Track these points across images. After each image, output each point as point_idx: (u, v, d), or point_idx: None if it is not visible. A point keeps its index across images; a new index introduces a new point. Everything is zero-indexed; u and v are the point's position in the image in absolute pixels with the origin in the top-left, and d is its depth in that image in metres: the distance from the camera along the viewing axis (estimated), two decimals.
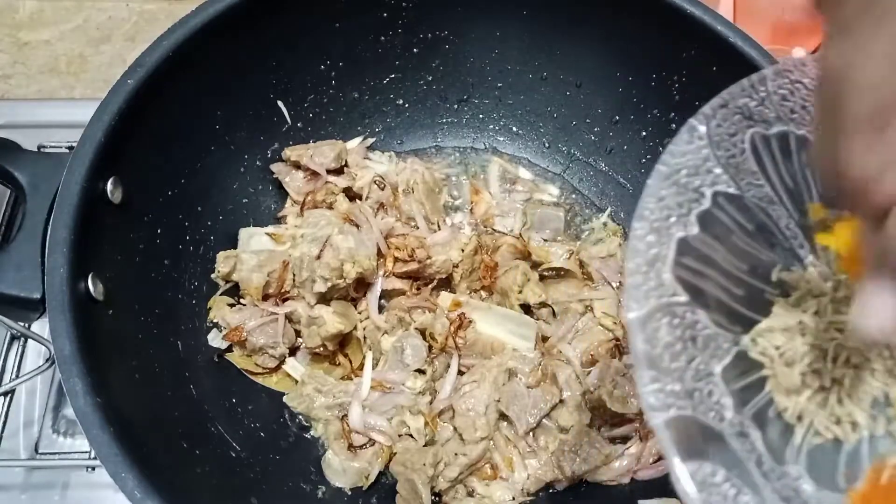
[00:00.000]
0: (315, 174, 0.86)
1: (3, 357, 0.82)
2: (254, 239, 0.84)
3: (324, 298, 0.78)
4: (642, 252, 0.40)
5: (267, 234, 0.84)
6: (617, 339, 0.82)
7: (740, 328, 0.43)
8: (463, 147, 0.98)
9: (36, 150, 0.89)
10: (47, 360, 0.64)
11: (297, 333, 0.79)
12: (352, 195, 0.88)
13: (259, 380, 0.78)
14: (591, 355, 0.80)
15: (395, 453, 0.75)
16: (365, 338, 0.81)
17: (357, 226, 0.83)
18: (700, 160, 0.44)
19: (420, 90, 0.93)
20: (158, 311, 0.70)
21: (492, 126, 0.97)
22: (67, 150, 0.91)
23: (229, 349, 0.78)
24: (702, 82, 0.78)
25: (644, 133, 0.88)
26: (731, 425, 0.39)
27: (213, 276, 0.79)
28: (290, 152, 0.87)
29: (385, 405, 0.76)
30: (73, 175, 0.59)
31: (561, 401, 0.77)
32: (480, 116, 0.97)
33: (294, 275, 0.78)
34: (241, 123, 0.82)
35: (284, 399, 0.77)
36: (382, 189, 0.89)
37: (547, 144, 0.97)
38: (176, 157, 0.74)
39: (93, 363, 0.54)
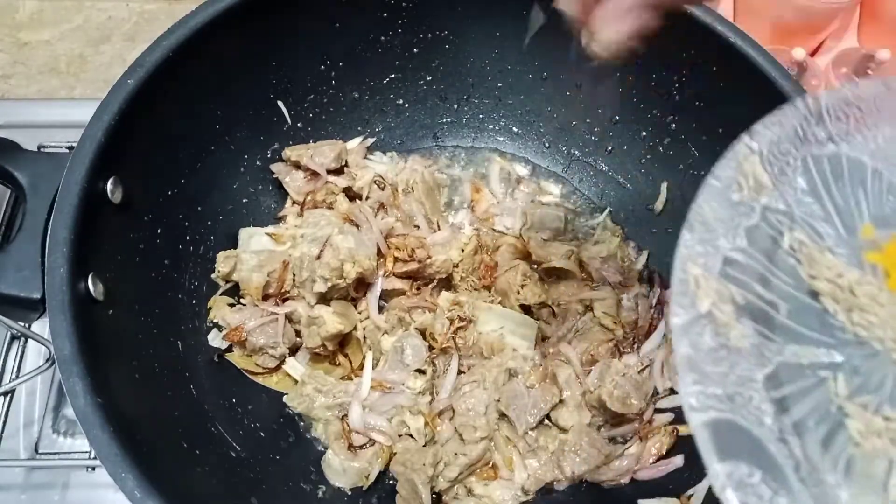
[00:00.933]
0: (315, 174, 0.86)
1: (3, 357, 0.82)
2: (254, 239, 0.84)
3: (324, 298, 0.78)
4: (690, 260, 0.41)
5: (267, 234, 0.84)
6: (617, 339, 0.82)
7: (785, 339, 0.44)
8: (463, 147, 0.98)
9: (36, 150, 0.89)
10: (47, 360, 0.64)
11: (297, 333, 0.79)
12: (352, 195, 0.89)
13: (259, 380, 0.79)
14: (591, 355, 0.80)
15: (395, 453, 0.75)
16: (365, 338, 0.81)
17: (357, 226, 0.83)
18: (752, 176, 0.46)
19: (420, 90, 0.93)
20: (158, 311, 0.70)
21: (492, 126, 0.97)
22: (67, 150, 0.91)
23: (229, 349, 0.78)
24: (702, 82, 0.78)
25: (644, 133, 0.88)
26: (770, 431, 0.39)
27: (213, 276, 0.79)
28: (290, 152, 0.87)
29: (385, 405, 0.76)
30: (73, 175, 0.59)
31: (561, 401, 0.77)
32: (480, 116, 0.97)
33: (294, 275, 0.78)
34: (241, 123, 0.82)
35: (284, 399, 0.77)
36: (382, 189, 0.89)
37: (547, 144, 0.97)
38: (176, 157, 0.74)
39: (93, 363, 0.54)
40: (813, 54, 1.11)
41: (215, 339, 0.77)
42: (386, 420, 0.75)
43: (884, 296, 0.46)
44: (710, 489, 0.70)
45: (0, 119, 0.99)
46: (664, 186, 0.88)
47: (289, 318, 0.78)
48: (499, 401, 0.76)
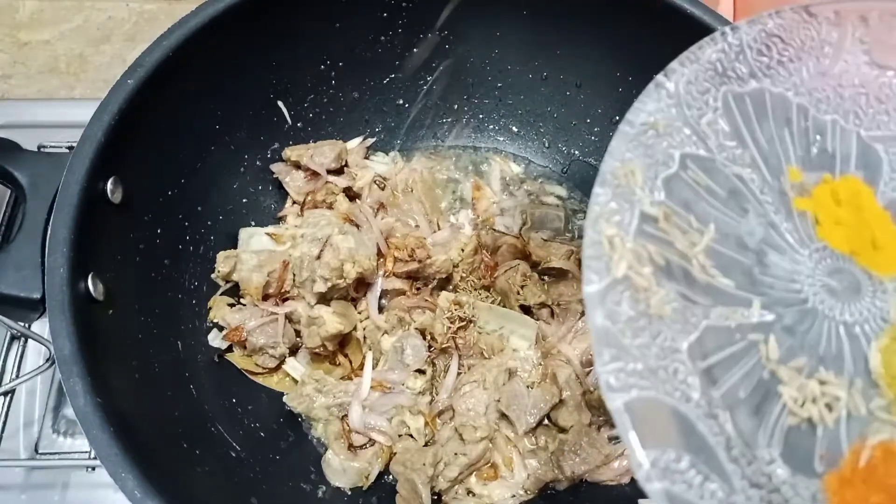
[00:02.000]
0: (315, 174, 0.86)
1: (3, 357, 0.82)
2: (254, 239, 0.84)
3: (324, 298, 0.78)
4: (602, 219, 0.37)
5: (267, 234, 0.84)
6: None
7: (710, 301, 0.40)
8: (463, 147, 0.98)
9: (36, 150, 0.89)
10: (47, 360, 0.64)
11: (297, 333, 0.79)
12: (352, 195, 0.89)
13: (259, 380, 0.79)
14: (591, 355, 0.80)
15: (395, 453, 0.75)
16: (365, 338, 0.81)
17: (357, 226, 0.83)
18: (667, 119, 0.41)
19: (420, 90, 0.93)
20: (158, 311, 0.70)
21: (492, 126, 0.97)
22: (67, 150, 0.91)
23: (229, 349, 0.78)
24: None
25: None
26: (697, 406, 0.36)
27: (213, 276, 0.79)
28: (290, 152, 0.87)
29: (385, 405, 0.76)
30: (73, 175, 0.59)
31: (561, 401, 0.77)
32: (480, 116, 0.97)
33: (294, 275, 0.78)
34: (241, 123, 0.82)
35: (284, 399, 0.77)
36: (382, 189, 0.89)
37: (547, 144, 0.97)
38: (176, 157, 0.74)
39: (93, 363, 0.54)
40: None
41: (215, 339, 0.77)
42: (386, 420, 0.75)
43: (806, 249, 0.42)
44: None
45: (0, 119, 0.99)
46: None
47: (289, 318, 0.78)
48: (499, 401, 0.76)
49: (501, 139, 0.98)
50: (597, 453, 0.74)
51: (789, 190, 0.44)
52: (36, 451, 0.79)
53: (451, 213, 0.92)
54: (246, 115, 0.82)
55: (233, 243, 0.83)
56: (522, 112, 0.95)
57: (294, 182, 0.87)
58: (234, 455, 0.69)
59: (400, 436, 0.75)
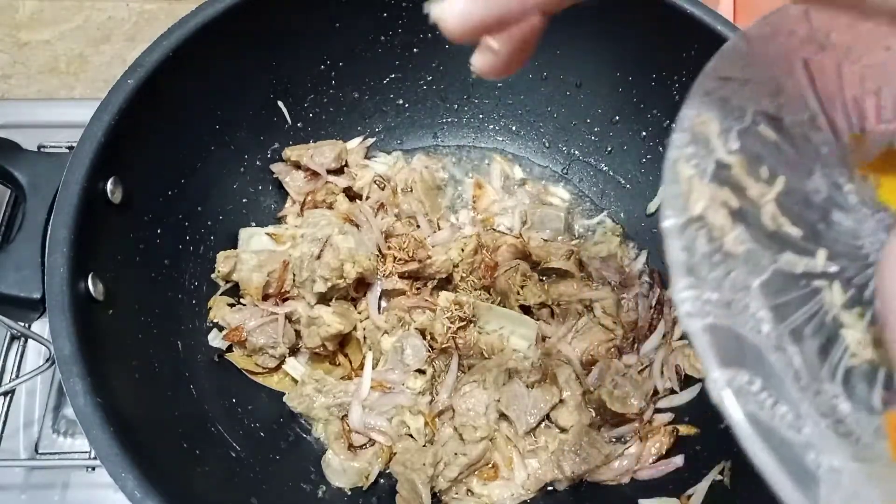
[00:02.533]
0: (315, 174, 0.86)
1: (3, 357, 0.82)
2: (254, 239, 0.84)
3: (324, 298, 0.78)
4: (682, 161, 0.39)
5: (267, 234, 0.84)
6: (617, 339, 0.82)
7: (779, 246, 0.42)
8: (463, 147, 0.98)
9: (36, 150, 0.89)
10: (47, 360, 0.64)
11: (297, 334, 0.79)
12: (352, 195, 0.89)
13: (259, 379, 0.79)
14: (591, 355, 0.80)
15: (395, 453, 0.75)
16: (365, 338, 0.81)
17: (357, 226, 0.83)
18: (742, 77, 0.43)
19: (420, 90, 0.93)
20: (158, 311, 0.70)
21: (492, 126, 0.97)
22: (67, 150, 0.91)
23: (229, 349, 0.78)
24: None
25: (644, 133, 0.88)
26: (768, 339, 0.38)
27: (213, 276, 0.79)
28: (290, 152, 0.87)
29: (385, 405, 0.76)
30: (73, 175, 0.59)
31: (561, 401, 0.77)
32: (480, 116, 0.97)
33: (294, 275, 0.79)
34: (241, 123, 0.82)
35: (284, 399, 0.77)
36: (382, 189, 0.89)
37: (547, 144, 0.97)
38: (176, 157, 0.74)
39: (93, 363, 0.54)
40: None
41: (215, 339, 0.77)
42: (386, 420, 0.75)
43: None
44: (709, 489, 0.70)
45: (0, 119, 0.99)
46: (662, 190, 0.88)
47: (289, 318, 0.78)
48: (499, 401, 0.76)
49: (501, 139, 0.98)
50: (597, 453, 0.74)
51: (852, 154, 0.46)
52: (36, 451, 0.79)
53: (451, 213, 0.92)
54: (246, 115, 0.82)
55: (233, 243, 0.83)
56: (522, 112, 0.95)
57: (294, 182, 0.87)
58: (234, 455, 0.69)
59: (400, 436, 0.75)
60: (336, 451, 0.75)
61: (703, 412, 0.77)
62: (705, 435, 0.76)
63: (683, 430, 0.77)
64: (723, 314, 0.36)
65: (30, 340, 0.82)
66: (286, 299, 0.80)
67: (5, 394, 0.75)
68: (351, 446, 0.75)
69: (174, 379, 0.69)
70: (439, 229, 0.88)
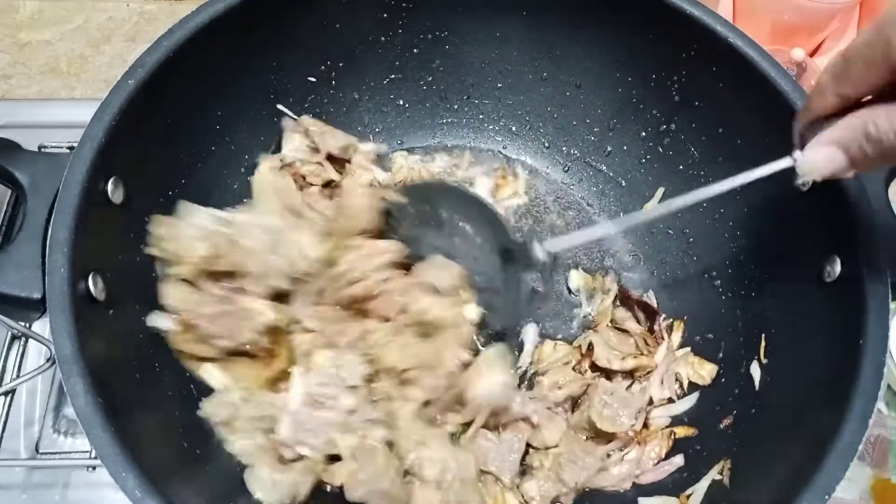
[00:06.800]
0: (315, 150, 0.85)
1: (3, 357, 0.82)
2: (196, 214, 0.71)
3: (269, 295, 0.72)
4: None
5: (214, 215, 0.72)
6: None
7: None
8: (463, 147, 0.98)
9: (36, 150, 0.89)
10: (48, 360, 0.64)
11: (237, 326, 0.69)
12: (330, 191, 0.85)
13: (192, 366, 0.70)
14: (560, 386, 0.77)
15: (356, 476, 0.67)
16: (298, 347, 0.73)
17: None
18: None
19: (420, 90, 0.93)
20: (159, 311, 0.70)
21: (492, 126, 0.97)
22: (68, 150, 0.91)
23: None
24: (701, 83, 0.79)
25: (643, 134, 0.88)
26: None
27: (146, 246, 0.68)
28: (307, 122, 0.85)
29: (315, 421, 0.68)
30: (73, 175, 0.59)
31: (534, 426, 0.74)
32: (480, 116, 0.97)
33: (243, 266, 0.70)
34: (241, 123, 0.82)
35: (203, 405, 0.68)
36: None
37: (547, 145, 0.97)
38: (176, 157, 0.74)
39: (93, 363, 0.54)
40: (812, 55, 1.11)
41: (158, 320, 0.67)
42: (315, 437, 0.68)
43: None
44: (708, 488, 0.70)
45: (0, 119, 0.99)
46: (660, 191, 0.89)
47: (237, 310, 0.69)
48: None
49: (501, 139, 0.98)
50: (593, 458, 0.73)
51: None
52: (36, 450, 0.79)
53: None
54: (246, 115, 0.82)
55: None
56: (522, 112, 0.96)
57: (292, 143, 0.85)
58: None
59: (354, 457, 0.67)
60: (263, 464, 0.67)
61: (702, 412, 0.77)
62: (704, 435, 0.76)
63: (681, 431, 0.77)
64: None
65: (30, 340, 0.82)
66: (236, 288, 0.70)
67: (6, 393, 0.75)
68: (281, 458, 0.68)
69: (174, 378, 0.69)
70: None
